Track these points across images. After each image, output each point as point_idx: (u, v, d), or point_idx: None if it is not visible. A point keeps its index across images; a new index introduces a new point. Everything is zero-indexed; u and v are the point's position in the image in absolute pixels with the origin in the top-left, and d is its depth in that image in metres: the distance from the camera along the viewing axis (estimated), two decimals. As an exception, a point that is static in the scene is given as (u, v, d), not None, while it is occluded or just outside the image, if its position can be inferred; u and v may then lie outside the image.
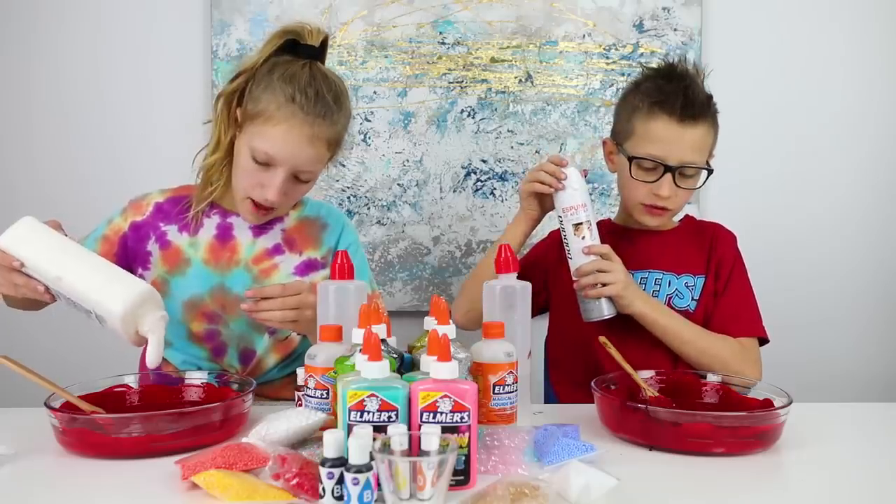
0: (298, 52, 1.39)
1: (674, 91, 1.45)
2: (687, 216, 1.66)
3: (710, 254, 1.56)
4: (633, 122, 1.50)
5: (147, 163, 1.99)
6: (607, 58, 2.09)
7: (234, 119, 1.39)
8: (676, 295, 1.52)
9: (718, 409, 1.25)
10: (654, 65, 1.60)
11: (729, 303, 1.52)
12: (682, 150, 1.45)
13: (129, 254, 1.45)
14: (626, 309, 1.43)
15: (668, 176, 1.45)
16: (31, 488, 1.02)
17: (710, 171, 1.49)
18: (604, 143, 1.60)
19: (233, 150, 1.40)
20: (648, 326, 1.45)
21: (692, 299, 1.52)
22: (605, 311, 1.43)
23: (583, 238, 1.43)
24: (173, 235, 1.45)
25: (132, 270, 1.44)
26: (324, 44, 1.42)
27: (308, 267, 1.47)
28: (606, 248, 1.43)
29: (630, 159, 1.49)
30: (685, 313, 1.50)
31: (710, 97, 1.49)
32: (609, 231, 1.56)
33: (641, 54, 2.09)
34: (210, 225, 1.46)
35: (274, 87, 1.34)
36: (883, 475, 1.09)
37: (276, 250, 1.47)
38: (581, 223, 1.43)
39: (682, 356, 1.46)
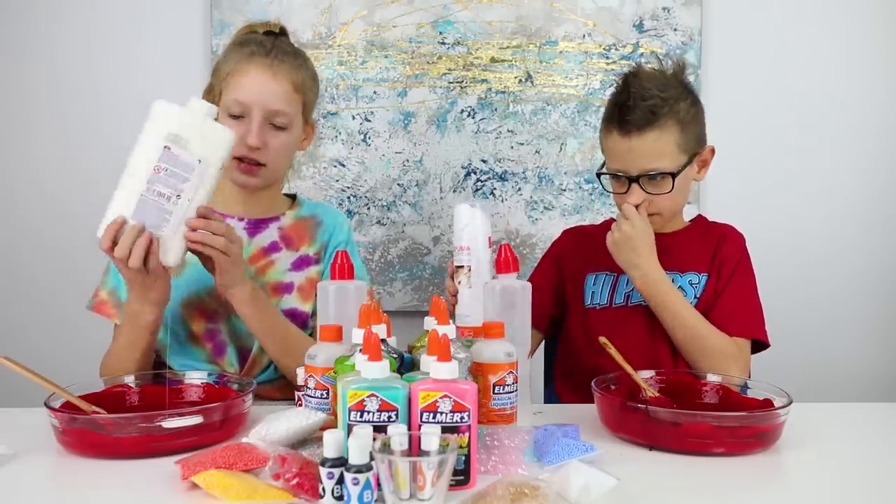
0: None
1: (615, 104, 1.47)
2: (699, 216, 1.66)
3: (714, 252, 1.55)
4: (602, 137, 1.53)
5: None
6: (607, 58, 2.09)
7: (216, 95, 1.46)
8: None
9: (718, 409, 1.25)
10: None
11: (727, 301, 1.51)
12: (636, 160, 1.45)
13: None
14: (628, 268, 1.46)
15: (634, 186, 1.46)
16: (31, 488, 1.02)
17: (674, 176, 1.45)
18: None
19: None
20: (647, 294, 1.45)
21: (694, 297, 1.52)
22: None
23: (459, 282, 1.30)
24: None
25: None
26: (284, 33, 1.53)
27: (302, 262, 1.49)
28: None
29: (599, 175, 1.53)
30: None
31: (662, 100, 1.44)
32: None
33: (641, 54, 2.09)
34: None
35: (233, 51, 1.46)
36: (883, 475, 1.09)
37: (273, 248, 1.48)
38: (462, 266, 1.31)
39: (673, 336, 1.46)
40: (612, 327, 1.44)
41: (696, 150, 1.50)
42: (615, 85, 1.53)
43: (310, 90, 1.48)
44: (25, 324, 2.09)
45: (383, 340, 1.05)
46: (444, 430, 0.93)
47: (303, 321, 1.46)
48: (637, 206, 1.46)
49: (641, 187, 1.46)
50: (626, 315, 1.52)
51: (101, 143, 2.09)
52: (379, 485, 0.88)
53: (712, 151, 1.54)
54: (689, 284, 1.52)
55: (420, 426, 0.94)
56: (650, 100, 1.45)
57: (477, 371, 1.14)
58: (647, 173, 1.45)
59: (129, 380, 1.28)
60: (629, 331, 1.48)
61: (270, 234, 1.49)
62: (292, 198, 1.58)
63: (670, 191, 1.47)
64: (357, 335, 1.06)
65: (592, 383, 1.23)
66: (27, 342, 2.01)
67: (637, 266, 1.46)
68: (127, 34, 2.07)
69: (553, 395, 1.64)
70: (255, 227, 1.49)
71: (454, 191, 2.11)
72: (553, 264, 1.66)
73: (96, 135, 2.09)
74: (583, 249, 1.62)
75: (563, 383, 1.62)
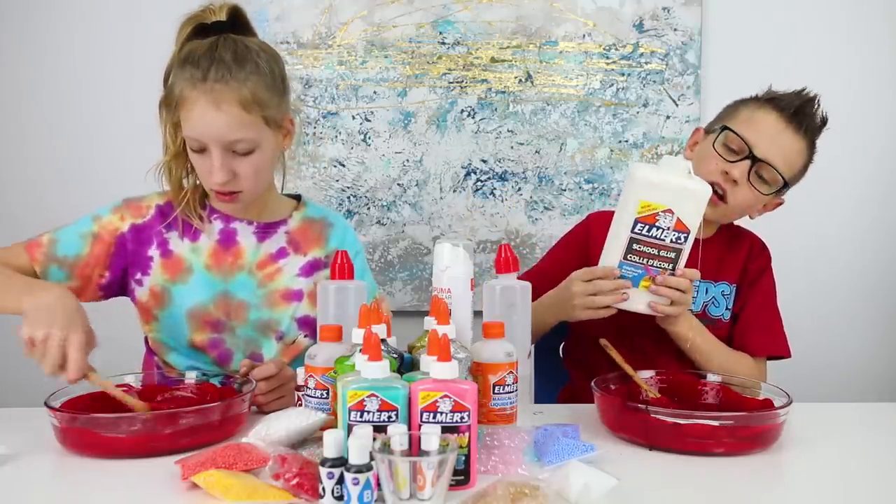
0: (208, 32, 1.35)
1: (795, 98, 1.46)
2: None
3: (745, 264, 1.55)
4: (741, 108, 1.49)
5: (145, 163, 1.99)
6: (607, 58, 2.09)
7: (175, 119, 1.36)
8: (713, 303, 1.51)
9: (718, 409, 1.25)
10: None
11: (749, 320, 1.51)
12: (774, 148, 1.43)
13: (128, 256, 1.41)
14: (672, 325, 1.39)
15: (747, 163, 1.43)
16: (31, 488, 1.02)
17: (786, 184, 1.46)
18: (695, 130, 1.58)
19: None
20: (681, 344, 1.42)
21: (726, 308, 1.51)
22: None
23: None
24: (174, 243, 1.41)
25: (129, 274, 1.41)
26: (235, 15, 1.37)
27: (313, 267, 1.46)
28: (693, 277, 1.35)
29: (722, 128, 1.45)
30: (718, 322, 1.50)
31: (823, 123, 1.49)
32: None
33: (641, 54, 2.09)
34: (212, 230, 1.43)
35: (177, 74, 1.32)
36: (883, 475, 1.09)
37: (281, 254, 1.45)
38: None
39: (700, 367, 1.43)
40: (643, 319, 1.40)
41: (788, 187, 1.49)
42: (796, 90, 1.51)
43: (269, 97, 1.33)
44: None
45: (383, 340, 1.05)
46: (444, 430, 0.93)
47: (316, 330, 1.43)
48: (734, 180, 1.43)
49: (749, 172, 1.43)
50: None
51: (98, 142, 2.09)
52: (379, 485, 0.88)
53: (778, 205, 1.54)
54: (721, 295, 1.51)
55: (420, 426, 0.94)
56: (821, 121, 1.48)
57: (477, 371, 1.14)
58: (770, 163, 1.43)
59: (130, 379, 1.28)
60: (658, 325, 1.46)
61: (278, 240, 1.45)
62: (297, 198, 1.54)
63: (768, 194, 1.46)
64: (357, 335, 1.06)
65: (592, 383, 1.23)
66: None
67: (687, 338, 1.41)
68: (125, 34, 2.07)
69: (562, 369, 1.64)
70: (265, 231, 1.45)
71: (454, 191, 2.11)
72: (579, 249, 1.58)
73: (93, 134, 2.09)
74: None
75: (580, 377, 1.61)
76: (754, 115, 1.46)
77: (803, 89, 1.50)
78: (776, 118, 1.44)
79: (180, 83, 1.31)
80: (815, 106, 1.48)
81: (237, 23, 1.38)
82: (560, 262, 1.56)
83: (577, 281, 1.36)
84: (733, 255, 1.55)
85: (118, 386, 1.24)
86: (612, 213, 1.63)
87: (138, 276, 1.41)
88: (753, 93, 1.53)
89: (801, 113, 1.45)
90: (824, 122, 1.49)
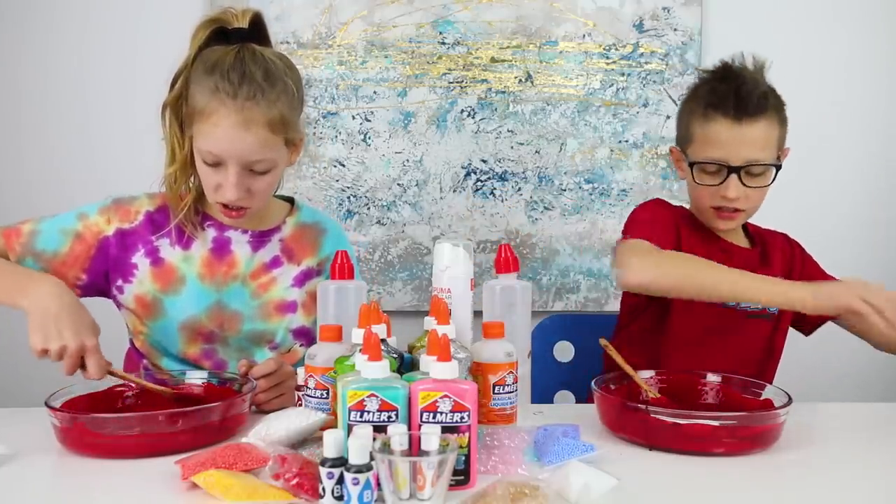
0: (229, 38, 1.31)
1: (727, 91, 1.43)
2: (748, 225, 1.61)
3: (790, 264, 1.59)
4: (691, 128, 1.48)
5: (144, 165, 2.00)
6: (607, 58, 2.09)
7: (186, 126, 1.32)
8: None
9: (718, 409, 1.25)
10: (710, 67, 1.53)
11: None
12: (744, 149, 1.42)
13: (108, 260, 1.38)
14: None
15: (734, 177, 1.42)
16: (31, 488, 1.02)
17: (779, 168, 1.45)
18: (671, 150, 1.58)
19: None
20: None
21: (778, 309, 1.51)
22: None
23: None
24: (166, 251, 1.38)
25: (110, 279, 1.38)
26: (256, 23, 1.33)
27: (305, 276, 1.44)
28: None
29: (692, 165, 1.46)
30: (763, 313, 1.52)
31: (770, 91, 1.46)
32: (701, 235, 1.52)
33: (641, 54, 2.09)
34: (205, 238, 1.40)
35: (200, 81, 1.27)
36: (883, 475, 1.09)
37: (275, 263, 1.42)
38: None
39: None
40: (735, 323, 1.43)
41: (780, 158, 1.49)
42: (706, 73, 1.50)
43: (291, 116, 1.31)
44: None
45: (383, 340, 1.05)
46: (444, 430, 0.93)
47: (311, 339, 1.40)
48: (734, 199, 1.43)
49: (740, 179, 1.42)
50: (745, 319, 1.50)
51: (97, 143, 2.09)
52: (379, 485, 0.88)
53: (786, 153, 1.51)
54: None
55: (420, 426, 0.94)
56: (762, 87, 1.44)
57: (477, 371, 1.14)
58: (752, 163, 1.42)
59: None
60: (748, 335, 1.49)
61: (272, 249, 1.43)
62: (289, 201, 1.51)
63: (769, 183, 1.46)
64: (357, 335, 1.06)
65: (592, 383, 1.23)
66: (27, 341, 2.01)
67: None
68: (125, 34, 2.07)
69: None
70: (259, 240, 1.42)
71: (454, 191, 2.11)
72: (674, 226, 1.52)
73: (92, 135, 2.08)
74: (698, 237, 1.53)
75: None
76: (706, 130, 1.44)
77: (727, 68, 1.46)
78: (724, 123, 1.42)
79: (205, 94, 1.26)
80: (747, 81, 1.43)
81: (257, 31, 1.34)
82: (664, 221, 1.52)
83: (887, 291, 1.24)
84: (781, 259, 1.58)
85: (118, 386, 1.24)
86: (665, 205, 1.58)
87: (119, 282, 1.39)
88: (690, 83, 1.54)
89: (741, 101, 1.41)
90: (772, 90, 1.46)
